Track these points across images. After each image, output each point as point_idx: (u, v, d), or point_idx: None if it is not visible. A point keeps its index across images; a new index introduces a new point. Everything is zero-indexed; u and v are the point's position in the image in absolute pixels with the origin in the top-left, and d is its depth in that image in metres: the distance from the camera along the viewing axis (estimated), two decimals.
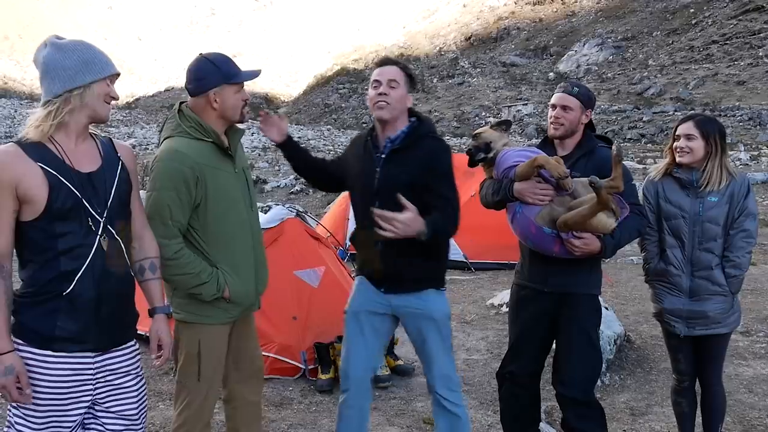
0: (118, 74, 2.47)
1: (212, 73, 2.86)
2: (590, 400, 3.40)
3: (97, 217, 2.40)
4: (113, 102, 2.48)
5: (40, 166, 2.30)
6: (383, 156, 3.17)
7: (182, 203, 2.81)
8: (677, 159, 3.50)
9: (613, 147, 3.18)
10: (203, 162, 2.84)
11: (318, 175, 3.51)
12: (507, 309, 6.80)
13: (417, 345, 3.33)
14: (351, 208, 3.53)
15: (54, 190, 2.30)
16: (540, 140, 3.64)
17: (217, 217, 2.91)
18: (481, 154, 3.38)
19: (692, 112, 4.42)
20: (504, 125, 3.52)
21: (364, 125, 55.68)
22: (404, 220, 2.88)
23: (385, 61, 3.23)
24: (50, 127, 2.34)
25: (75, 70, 2.35)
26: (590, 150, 3.39)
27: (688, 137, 3.46)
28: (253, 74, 2.96)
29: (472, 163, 3.47)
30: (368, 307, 3.29)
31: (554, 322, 3.42)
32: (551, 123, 3.43)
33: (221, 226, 2.93)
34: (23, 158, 2.30)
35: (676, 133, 3.52)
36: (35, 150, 2.33)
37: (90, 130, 2.50)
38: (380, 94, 3.10)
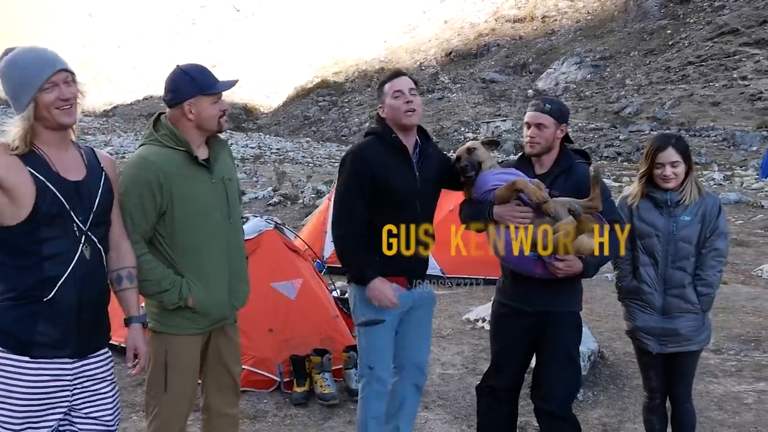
0: (59, 70, 2.38)
1: (187, 84, 2.90)
2: (568, 415, 3.44)
3: (81, 225, 2.43)
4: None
5: (29, 170, 2.32)
6: (416, 160, 3.47)
7: (145, 209, 2.83)
8: (663, 185, 3.50)
9: (591, 168, 3.21)
10: (170, 170, 2.87)
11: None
12: (483, 324, 6.84)
13: (413, 328, 3.59)
14: (332, 218, 3.56)
15: (41, 195, 2.32)
16: (517, 157, 3.67)
17: (185, 226, 2.92)
18: (472, 173, 3.40)
19: (660, 133, 4.37)
20: (494, 145, 3.58)
21: (343, 138, 55.72)
22: None
23: (399, 73, 3.58)
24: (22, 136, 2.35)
25: (14, 96, 2.37)
26: (568, 167, 3.42)
27: (674, 164, 3.46)
28: (229, 85, 2.99)
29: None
30: (396, 314, 3.48)
31: (535, 339, 3.46)
32: (527, 142, 3.44)
33: (189, 235, 2.93)
34: (12, 155, 2.32)
35: (658, 161, 3.48)
36: (24, 154, 2.35)
37: (72, 139, 2.52)
38: (409, 102, 3.36)
